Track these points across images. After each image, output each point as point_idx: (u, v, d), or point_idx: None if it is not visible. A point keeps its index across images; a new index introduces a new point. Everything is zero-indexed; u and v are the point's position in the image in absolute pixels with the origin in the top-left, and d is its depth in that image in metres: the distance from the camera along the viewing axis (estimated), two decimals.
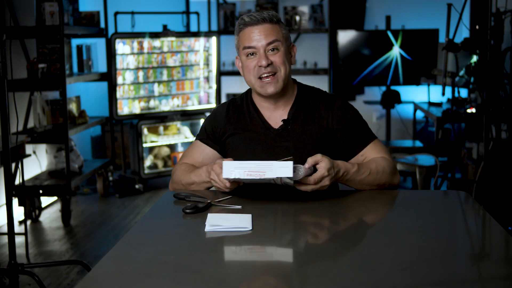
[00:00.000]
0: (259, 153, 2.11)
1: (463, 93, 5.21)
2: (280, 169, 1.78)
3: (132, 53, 5.57)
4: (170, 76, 5.83)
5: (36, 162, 4.89)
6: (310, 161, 1.88)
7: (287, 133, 2.13)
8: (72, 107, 5.00)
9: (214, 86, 6.10)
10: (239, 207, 1.89)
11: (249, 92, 2.24)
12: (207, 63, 6.05)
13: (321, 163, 1.88)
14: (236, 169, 1.83)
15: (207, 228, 1.70)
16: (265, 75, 2.07)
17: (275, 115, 2.16)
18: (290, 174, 1.77)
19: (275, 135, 2.14)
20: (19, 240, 3.95)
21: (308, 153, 2.06)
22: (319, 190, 1.90)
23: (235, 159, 2.09)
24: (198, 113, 6.03)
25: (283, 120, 2.14)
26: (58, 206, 5.01)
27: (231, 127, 2.18)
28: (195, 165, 2.19)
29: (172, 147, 5.92)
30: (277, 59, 2.07)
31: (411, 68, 5.97)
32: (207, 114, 6.16)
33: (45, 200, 5.00)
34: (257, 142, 2.14)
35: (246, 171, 1.81)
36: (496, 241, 1.67)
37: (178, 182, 2.16)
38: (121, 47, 5.49)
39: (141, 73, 5.66)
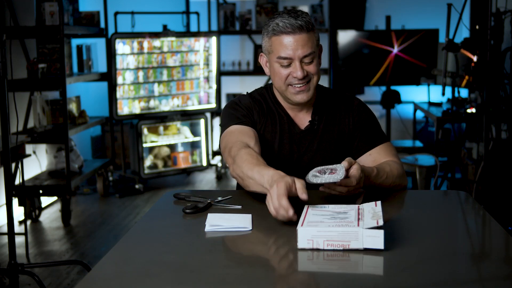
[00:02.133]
0: (285, 152, 2.14)
1: (463, 93, 5.21)
2: (369, 239, 1.51)
3: (132, 53, 5.57)
4: (170, 76, 5.83)
5: (36, 162, 4.89)
6: (345, 163, 1.83)
7: (312, 134, 2.15)
8: (72, 107, 5.00)
9: (214, 86, 6.10)
10: (239, 207, 1.89)
11: (268, 89, 2.21)
12: (207, 63, 6.05)
13: (355, 165, 1.85)
14: (315, 238, 1.54)
15: (207, 228, 1.70)
16: (299, 85, 2.05)
17: (300, 116, 2.17)
18: (381, 246, 1.52)
19: (301, 135, 2.15)
20: (19, 240, 3.96)
21: (331, 154, 2.13)
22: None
23: (261, 153, 2.02)
24: (198, 113, 6.03)
25: (310, 121, 2.15)
26: (58, 206, 5.01)
27: (261, 118, 2.15)
28: (253, 148, 1.98)
29: (172, 147, 5.92)
30: (311, 69, 2.05)
31: (411, 68, 5.97)
32: (207, 114, 6.17)
33: (45, 200, 5.00)
34: (285, 140, 2.15)
35: (326, 240, 1.53)
36: (496, 241, 1.67)
37: (240, 169, 1.89)
38: (121, 47, 5.49)
39: (141, 73, 5.66)
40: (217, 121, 6.22)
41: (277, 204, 1.66)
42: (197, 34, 5.96)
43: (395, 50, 5.97)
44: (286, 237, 1.69)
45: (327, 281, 1.40)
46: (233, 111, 2.13)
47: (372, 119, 2.21)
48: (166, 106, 5.84)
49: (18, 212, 4.53)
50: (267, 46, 2.07)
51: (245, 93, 2.23)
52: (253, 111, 2.15)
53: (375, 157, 2.13)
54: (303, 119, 2.17)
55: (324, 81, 6.33)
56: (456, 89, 4.63)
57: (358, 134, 2.16)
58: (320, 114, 2.16)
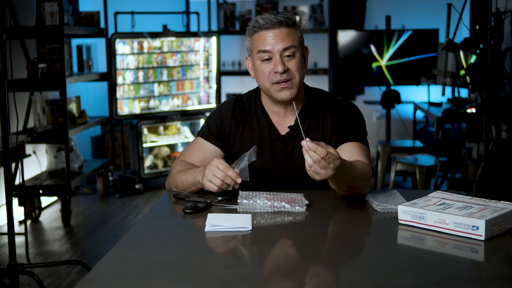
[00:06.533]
0: (266, 159, 2.10)
1: (463, 93, 5.21)
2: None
3: (132, 53, 5.57)
4: (170, 76, 5.83)
5: (36, 162, 4.89)
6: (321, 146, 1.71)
7: (293, 140, 2.10)
8: (72, 107, 5.00)
9: (214, 86, 6.10)
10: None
11: (257, 92, 2.18)
12: (207, 63, 6.05)
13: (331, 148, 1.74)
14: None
15: (207, 228, 1.70)
16: (281, 82, 2.01)
17: (284, 121, 2.12)
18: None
19: (282, 141, 2.11)
20: (19, 240, 3.95)
21: None
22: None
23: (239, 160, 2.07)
24: (198, 113, 6.03)
25: (290, 127, 2.11)
26: (58, 206, 5.01)
27: (237, 126, 2.14)
28: (195, 163, 2.13)
29: (172, 147, 5.92)
30: (292, 66, 2.02)
31: (411, 68, 5.97)
32: (207, 114, 6.17)
33: (45, 200, 5.00)
34: (264, 147, 2.10)
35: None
36: (496, 241, 1.66)
37: (173, 179, 2.10)
38: (121, 47, 5.49)
39: (141, 73, 5.66)
40: None
41: (223, 175, 1.86)
42: (197, 34, 5.96)
43: (395, 50, 5.96)
44: (286, 237, 1.69)
45: (327, 281, 1.40)
46: (208, 123, 2.20)
47: (356, 119, 2.10)
48: (166, 106, 5.84)
49: (18, 212, 4.53)
50: (249, 45, 2.08)
51: (234, 96, 2.22)
52: (226, 123, 2.15)
53: (346, 150, 2.01)
54: (287, 124, 2.12)
55: (324, 81, 6.33)
56: (456, 89, 4.63)
57: (336, 130, 2.07)
58: (305, 119, 2.10)
